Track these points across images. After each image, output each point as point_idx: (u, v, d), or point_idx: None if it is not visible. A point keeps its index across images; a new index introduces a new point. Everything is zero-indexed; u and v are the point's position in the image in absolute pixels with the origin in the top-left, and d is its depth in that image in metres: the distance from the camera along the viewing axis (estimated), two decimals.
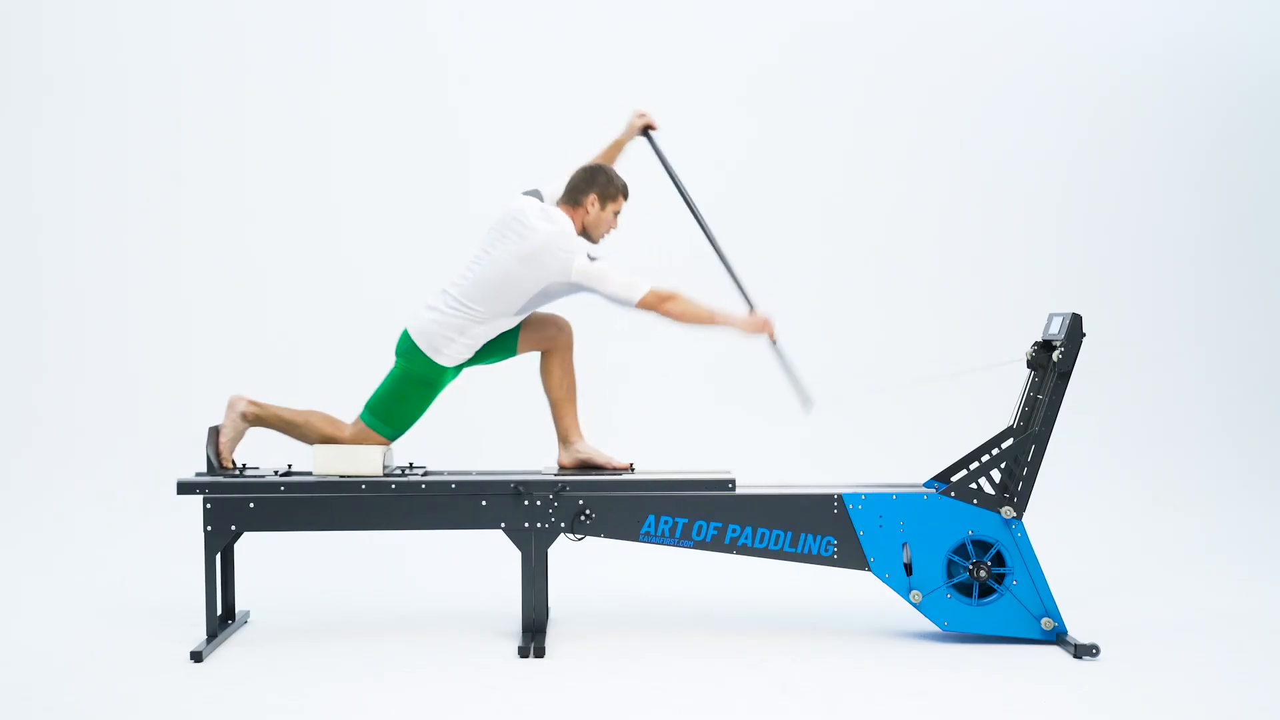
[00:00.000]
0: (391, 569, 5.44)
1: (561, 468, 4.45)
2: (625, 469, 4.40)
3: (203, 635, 4.15)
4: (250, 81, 7.36)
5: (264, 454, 4.94)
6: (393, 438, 4.37)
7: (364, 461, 4.23)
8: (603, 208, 4.39)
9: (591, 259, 4.24)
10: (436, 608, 4.72)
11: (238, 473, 4.27)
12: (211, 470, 4.30)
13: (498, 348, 4.43)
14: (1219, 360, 7.73)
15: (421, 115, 7.42)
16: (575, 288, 4.27)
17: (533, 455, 5.35)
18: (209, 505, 4.12)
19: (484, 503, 4.15)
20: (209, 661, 3.96)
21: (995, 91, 7.70)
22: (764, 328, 4.37)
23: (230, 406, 4.38)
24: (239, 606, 4.55)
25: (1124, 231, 7.75)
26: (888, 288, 7.58)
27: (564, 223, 4.31)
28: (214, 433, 4.34)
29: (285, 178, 7.36)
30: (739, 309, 4.43)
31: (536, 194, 4.48)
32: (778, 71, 7.60)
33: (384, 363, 7.08)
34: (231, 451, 4.35)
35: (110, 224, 7.28)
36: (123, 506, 6.47)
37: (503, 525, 4.15)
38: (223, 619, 4.31)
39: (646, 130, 4.73)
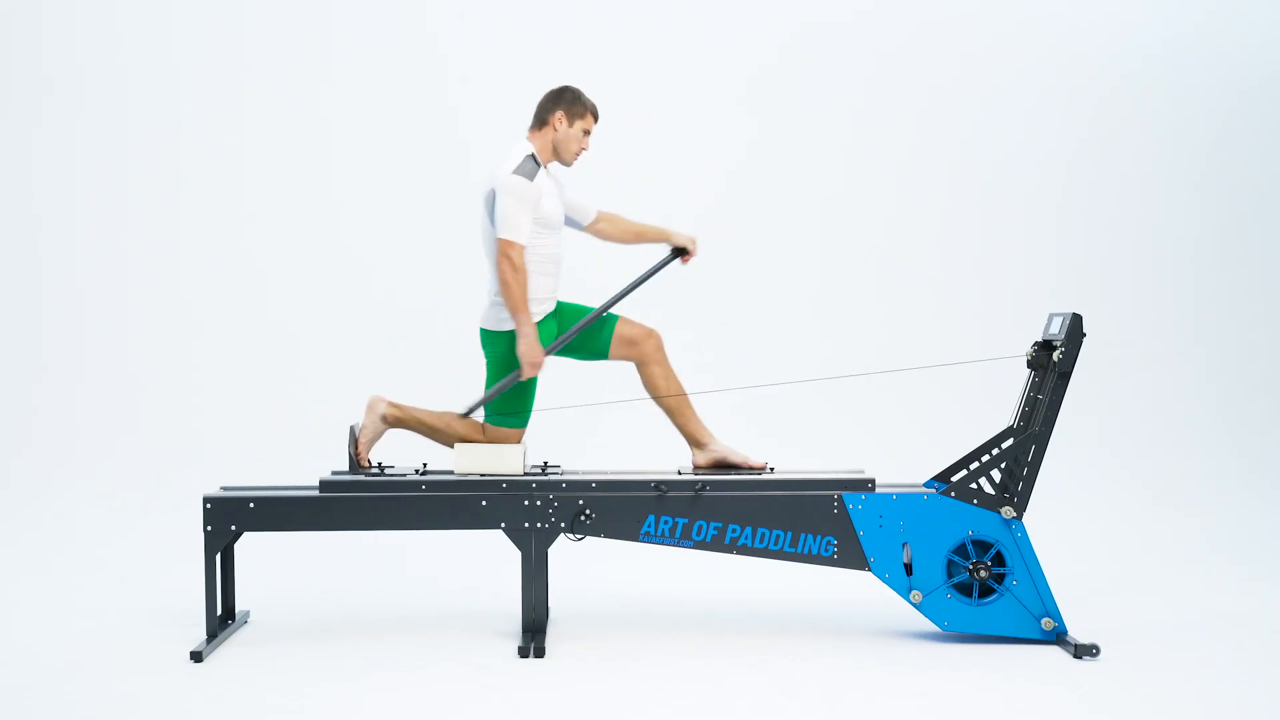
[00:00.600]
0: (391, 569, 5.44)
1: (697, 468, 4.44)
2: (762, 469, 4.41)
3: (203, 635, 4.15)
4: (250, 81, 7.36)
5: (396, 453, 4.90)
6: (522, 425, 4.39)
7: (508, 460, 4.26)
8: (570, 124, 4.41)
9: (523, 175, 4.24)
10: (436, 608, 4.72)
11: (377, 472, 4.31)
12: (352, 469, 4.35)
13: (589, 344, 4.45)
14: (1219, 360, 7.73)
15: (421, 115, 7.42)
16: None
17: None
18: (209, 505, 4.12)
19: (484, 503, 4.15)
20: (209, 661, 3.96)
21: (995, 91, 7.70)
22: (531, 365, 4.28)
23: (370, 408, 4.41)
24: (239, 606, 4.55)
25: (1124, 231, 7.76)
26: (888, 288, 7.58)
27: (518, 148, 4.36)
28: (353, 433, 4.40)
29: (285, 178, 7.36)
30: (531, 337, 4.29)
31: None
32: (778, 71, 7.60)
33: (386, 361, 7.12)
34: (369, 451, 4.39)
35: (110, 224, 7.28)
36: (122, 507, 6.46)
37: (503, 525, 4.14)
38: (223, 619, 4.31)
39: (680, 253, 4.60)
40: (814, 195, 7.60)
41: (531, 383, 4.40)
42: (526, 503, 4.14)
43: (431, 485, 4.17)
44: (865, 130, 7.64)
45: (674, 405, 4.45)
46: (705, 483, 4.18)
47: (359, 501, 4.15)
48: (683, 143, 7.55)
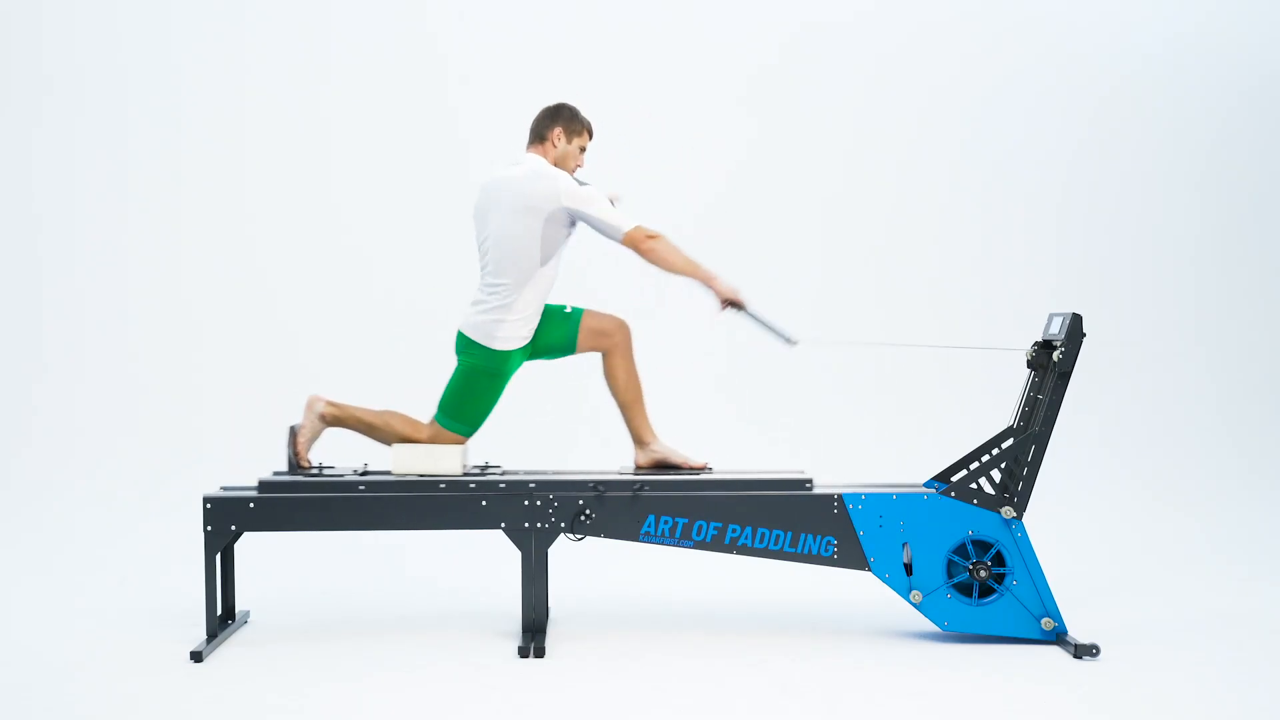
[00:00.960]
0: (391, 569, 5.44)
1: (638, 468, 4.44)
2: (702, 469, 4.41)
3: (203, 635, 4.15)
4: (250, 81, 7.36)
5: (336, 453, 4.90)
6: (468, 434, 4.38)
7: (443, 461, 4.25)
8: (569, 141, 4.42)
9: (580, 184, 4.29)
10: (436, 608, 4.72)
11: (316, 472, 4.30)
12: (291, 470, 4.34)
13: (556, 343, 4.43)
14: (1219, 360, 7.73)
15: (421, 115, 7.42)
16: (571, 214, 4.29)
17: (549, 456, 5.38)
18: (209, 505, 4.12)
19: (484, 503, 4.15)
20: (209, 661, 3.96)
21: (995, 91, 7.70)
22: (736, 294, 4.35)
23: (309, 407, 4.40)
24: (239, 606, 4.55)
25: (1124, 231, 7.76)
26: (888, 288, 7.58)
27: (535, 160, 4.36)
28: (293, 432, 4.38)
29: (285, 178, 7.36)
30: (718, 279, 4.35)
31: None
32: (778, 71, 7.60)
33: (387, 359, 7.13)
34: (308, 451, 4.38)
35: (110, 224, 7.28)
36: (122, 507, 6.46)
37: (503, 525, 4.14)
38: (223, 619, 4.31)
39: (735, 306, 4.48)
40: (814, 195, 7.60)
41: (496, 397, 4.37)
42: (526, 503, 4.14)
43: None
44: (865, 130, 7.64)
45: (627, 400, 4.44)
46: (644, 483, 4.17)
47: (359, 501, 4.15)
48: (683, 143, 7.55)
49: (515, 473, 4.36)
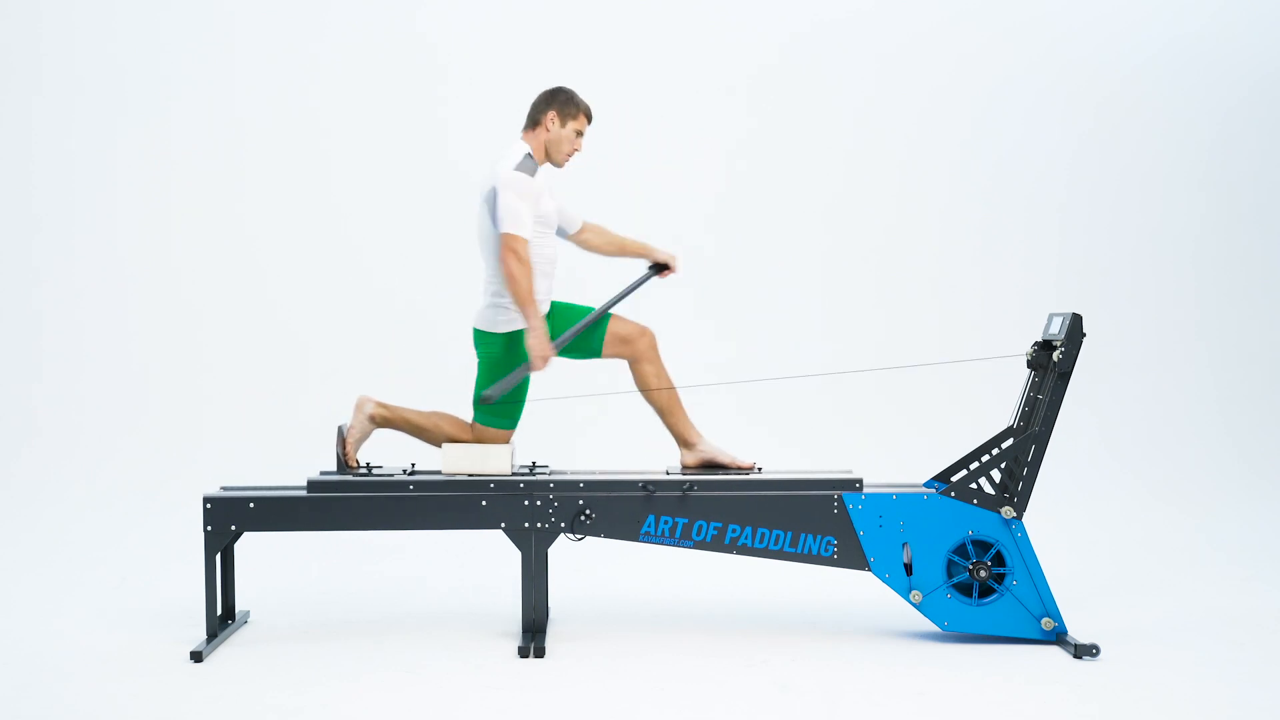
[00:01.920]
0: (391, 569, 5.44)
1: (685, 468, 4.43)
2: (750, 468, 4.40)
3: (203, 635, 4.15)
4: (248, 81, 7.37)
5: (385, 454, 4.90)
6: (511, 427, 4.38)
7: (493, 461, 4.25)
8: (562, 125, 4.37)
9: (524, 172, 4.22)
10: (436, 608, 4.72)
11: (365, 472, 4.30)
12: (340, 469, 4.34)
13: (583, 343, 4.42)
14: (1219, 360, 7.73)
15: (421, 115, 7.42)
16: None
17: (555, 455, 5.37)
18: (209, 505, 4.12)
19: (484, 503, 4.15)
20: (209, 661, 3.96)
21: (995, 91, 7.71)
22: (541, 359, 4.24)
23: (358, 408, 4.40)
24: (239, 606, 4.55)
25: (1124, 231, 7.76)
26: (888, 287, 7.58)
27: (513, 149, 4.33)
28: (341, 433, 4.39)
29: (283, 177, 7.36)
30: (540, 331, 4.24)
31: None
32: (778, 71, 7.60)
33: (388, 359, 7.13)
34: (357, 451, 4.39)
35: (110, 225, 7.28)
36: (122, 506, 6.46)
37: (503, 525, 4.14)
38: (223, 619, 4.30)
39: (663, 268, 4.57)
40: (815, 195, 7.60)
41: (524, 384, 4.39)
42: (526, 503, 4.14)
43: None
44: (866, 130, 7.65)
45: (664, 404, 4.43)
46: (693, 483, 4.17)
47: (359, 502, 4.15)
48: (683, 143, 7.55)
49: (564, 473, 4.35)
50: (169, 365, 7.19)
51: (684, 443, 4.44)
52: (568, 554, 4.96)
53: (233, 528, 4.15)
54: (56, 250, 7.25)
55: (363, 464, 4.40)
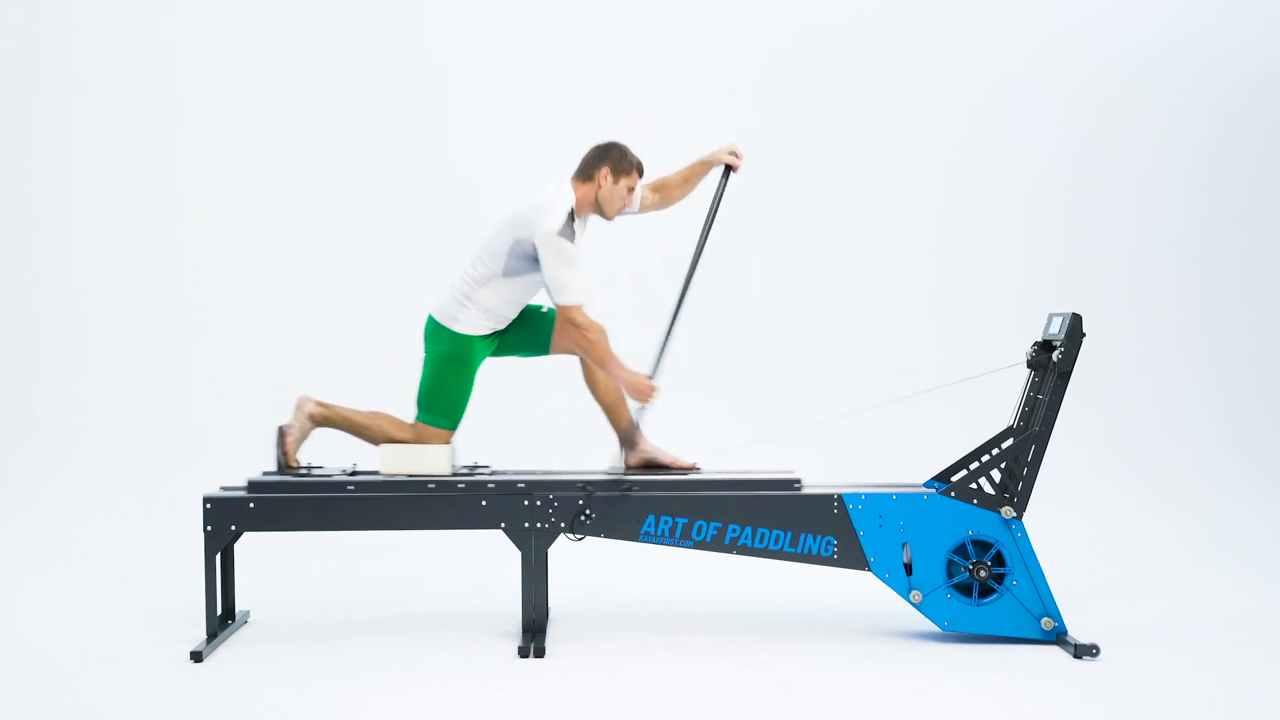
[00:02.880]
0: (391, 569, 5.44)
1: (628, 468, 4.43)
2: (690, 468, 4.41)
3: (203, 635, 4.15)
4: (249, 81, 7.37)
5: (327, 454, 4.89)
6: (452, 427, 4.38)
7: (431, 461, 4.24)
8: (615, 181, 4.36)
9: (565, 238, 4.21)
10: (436, 608, 4.72)
11: (305, 472, 4.29)
12: (280, 470, 4.33)
13: (529, 341, 4.44)
14: (1219, 360, 7.73)
15: (421, 115, 7.42)
16: (536, 253, 4.23)
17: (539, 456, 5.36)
18: (209, 505, 4.12)
19: (484, 503, 4.14)
20: (209, 661, 3.96)
21: (995, 91, 7.71)
22: (643, 395, 4.28)
23: (298, 407, 4.40)
24: (239, 606, 4.55)
25: (1124, 231, 7.76)
26: (888, 288, 7.58)
27: (565, 194, 4.29)
28: (281, 432, 4.37)
29: (284, 177, 7.36)
30: (630, 375, 4.28)
31: None
32: (777, 71, 7.60)
33: (386, 358, 7.11)
34: (297, 451, 4.37)
35: (110, 225, 7.28)
36: (123, 506, 6.46)
37: (503, 525, 4.14)
38: (223, 619, 4.30)
39: (729, 169, 4.63)
40: (814, 195, 7.60)
41: (468, 384, 4.38)
42: (526, 503, 4.14)
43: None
44: (866, 130, 7.65)
45: (609, 401, 4.44)
46: (633, 483, 4.17)
47: (359, 501, 4.15)
48: (683, 143, 7.54)
49: (504, 472, 4.36)
50: (169, 365, 7.19)
51: (626, 441, 4.45)
52: (568, 554, 4.96)
53: (232, 528, 4.15)
54: (56, 250, 7.26)
55: (303, 464, 4.38)
